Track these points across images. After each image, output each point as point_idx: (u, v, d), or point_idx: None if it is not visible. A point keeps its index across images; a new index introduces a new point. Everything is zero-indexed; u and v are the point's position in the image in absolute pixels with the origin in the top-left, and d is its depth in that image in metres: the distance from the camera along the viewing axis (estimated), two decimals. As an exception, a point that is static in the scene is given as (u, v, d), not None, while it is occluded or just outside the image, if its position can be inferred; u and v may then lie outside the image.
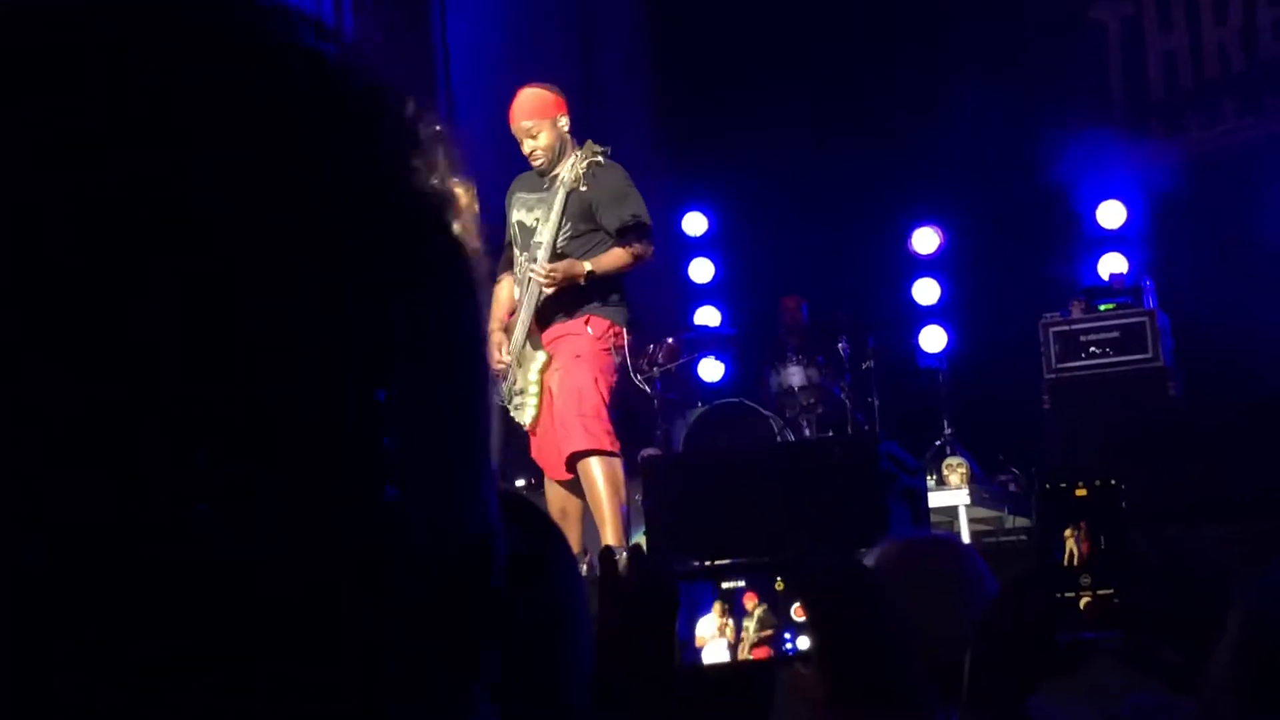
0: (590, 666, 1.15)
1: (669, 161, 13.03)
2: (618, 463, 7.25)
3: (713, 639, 2.10)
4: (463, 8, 12.96)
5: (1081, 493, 1.90)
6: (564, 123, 7.47)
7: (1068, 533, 1.89)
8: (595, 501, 7.16)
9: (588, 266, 7.26)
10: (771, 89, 12.74)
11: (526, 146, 7.49)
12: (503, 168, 8.04)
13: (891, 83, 12.13)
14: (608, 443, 7.19)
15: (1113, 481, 1.86)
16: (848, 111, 12.30)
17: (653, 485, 7.52)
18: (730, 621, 2.09)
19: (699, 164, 13.07)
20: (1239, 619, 1.63)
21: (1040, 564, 1.90)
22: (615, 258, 7.34)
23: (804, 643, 2.02)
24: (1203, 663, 1.64)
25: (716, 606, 2.09)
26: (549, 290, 7.26)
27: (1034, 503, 2.01)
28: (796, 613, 2.03)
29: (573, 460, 7.22)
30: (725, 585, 2.10)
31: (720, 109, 13.02)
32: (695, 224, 13.28)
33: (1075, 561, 1.89)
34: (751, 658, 2.09)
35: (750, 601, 2.09)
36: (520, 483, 9.85)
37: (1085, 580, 1.88)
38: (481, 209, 7.50)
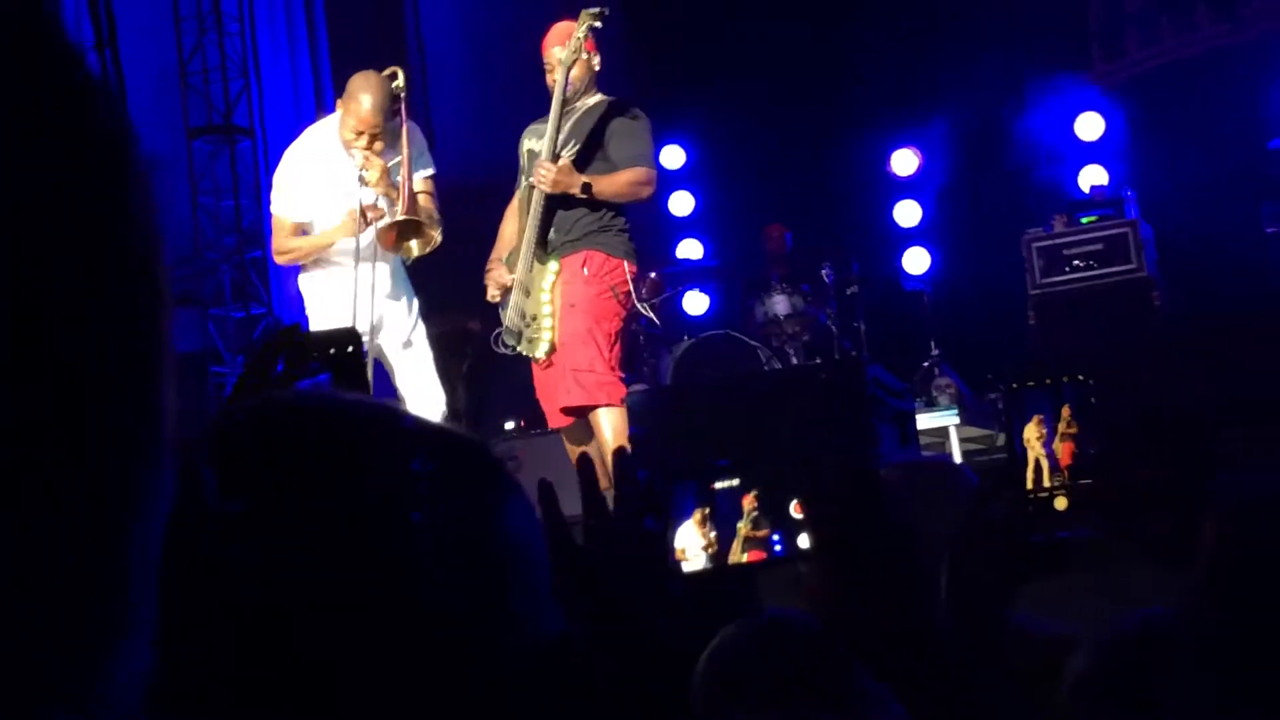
0: (547, 618, 1.13)
1: (644, 95, 12.93)
2: (620, 411, 7.09)
3: (693, 550, 2.07)
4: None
5: (1050, 385, 1.87)
6: (596, 61, 7.29)
7: (1029, 431, 1.87)
8: (602, 447, 7.06)
9: (585, 179, 7.05)
10: (744, 18, 12.66)
11: (550, 76, 7.29)
12: (474, 108, 7.97)
13: (863, 8, 12.05)
14: (603, 397, 6.97)
15: (1080, 377, 1.83)
16: (821, 38, 12.22)
17: (641, 420, 7.50)
18: (713, 531, 2.06)
19: (675, 97, 12.98)
20: (1214, 524, 1.61)
21: (1009, 467, 1.88)
22: (616, 182, 7.10)
23: (803, 541, 2.00)
24: (1191, 532, 1.62)
25: (696, 515, 2.05)
26: (546, 188, 6.98)
27: (1003, 404, 1.98)
28: (795, 509, 2.01)
29: (568, 412, 7.11)
30: (717, 486, 2.06)
31: (693, 40, 12.94)
32: (673, 157, 13.23)
33: (1041, 461, 1.87)
34: (744, 559, 2.06)
35: (747, 502, 2.05)
36: (509, 425, 9.84)
37: (1059, 478, 1.86)
38: (445, 150, 7.44)
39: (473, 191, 7.63)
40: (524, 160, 7.33)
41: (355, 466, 1.06)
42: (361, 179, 6.92)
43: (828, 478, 1.92)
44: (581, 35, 7.08)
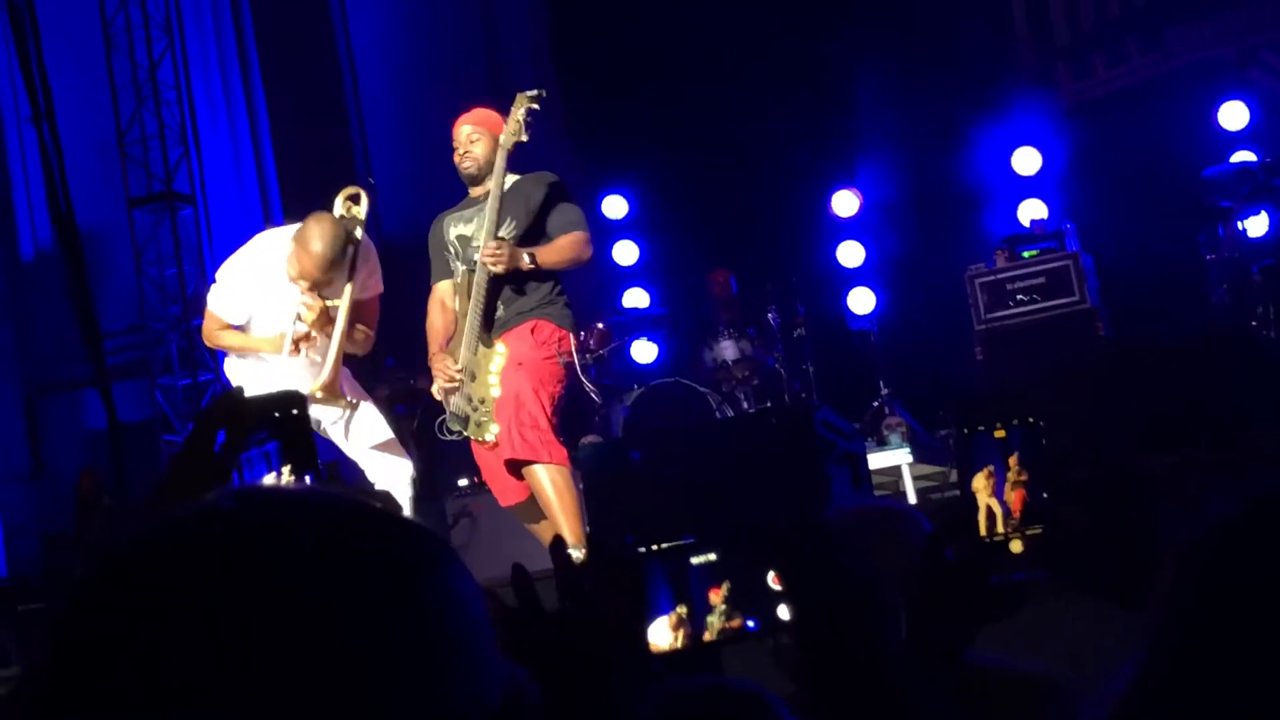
0: (491, 691, 1.13)
1: (583, 148, 13.00)
2: (564, 469, 7.09)
3: (669, 646, 2.06)
4: (364, 16, 12.92)
5: (1000, 434, 1.89)
6: (526, 138, 7.33)
7: (978, 481, 1.88)
8: (547, 507, 7.04)
9: (529, 251, 7.08)
10: (678, 67, 12.71)
11: (460, 150, 7.32)
12: (412, 165, 7.98)
13: (800, 49, 12.12)
14: (545, 454, 6.98)
15: (1031, 420, 1.85)
16: (757, 82, 12.28)
17: (592, 473, 7.48)
18: (686, 624, 2.05)
19: (613, 147, 13.04)
20: (1173, 562, 1.63)
21: (962, 511, 1.89)
22: (557, 250, 7.15)
23: (783, 613, 1.99)
24: (1139, 579, 1.63)
25: (671, 617, 2.05)
26: (498, 269, 7.00)
27: (954, 447, 1.99)
28: (773, 581, 2.00)
29: (512, 467, 7.10)
30: (695, 561, 2.05)
31: (630, 91, 12.98)
32: (615, 207, 13.26)
33: (994, 507, 1.88)
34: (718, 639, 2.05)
35: (714, 596, 2.05)
36: (463, 483, 9.81)
37: (1011, 524, 1.87)
38: (385, 211, 7.43)
39: (413, 250, 7.62)
40: (454, 247, 7.34)
41: (266, 562, 1.06)
42: (299, 317, 6.86)
43: (783, 538, 1.92)
44: (521, 119, 7.12)
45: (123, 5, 11.59)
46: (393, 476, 7.15)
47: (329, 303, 6.90)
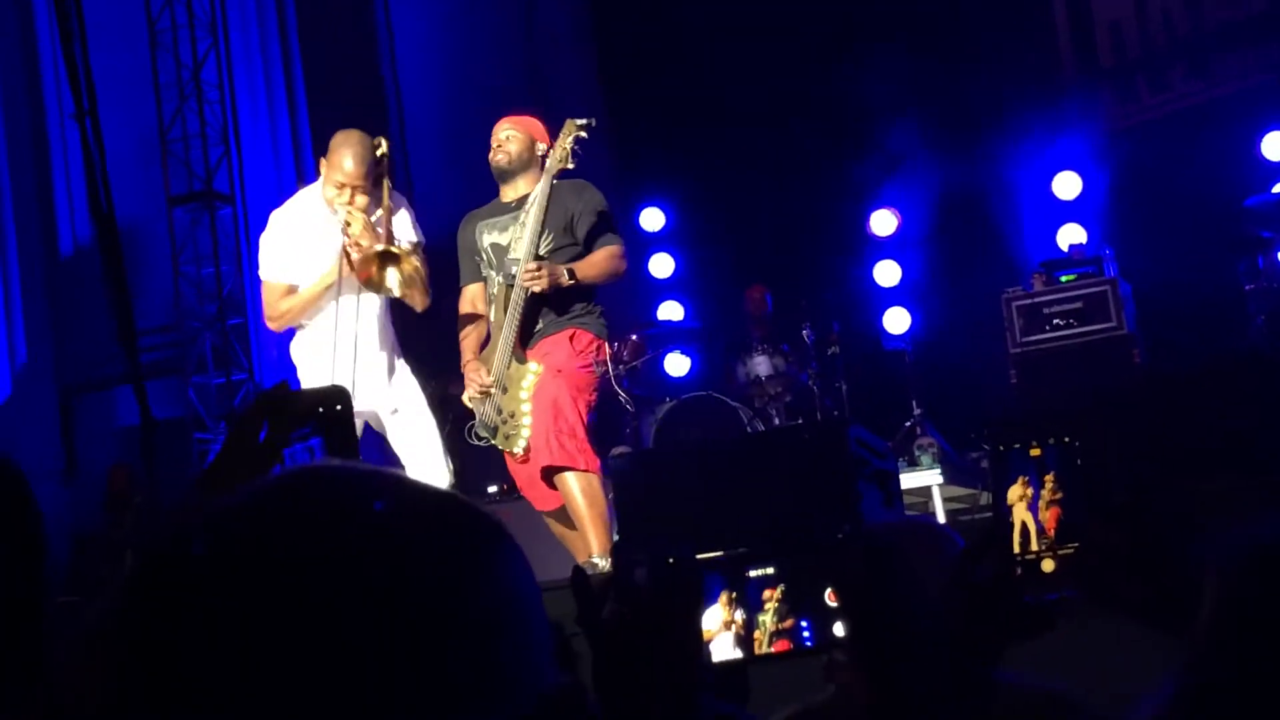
0: (546, 671, 1.13)
1: (622, 159, 13.02)
2: (595, 478, 7.12)
3: (719, 633, 2.05)
4: (408, 23, 12.95)
5: (1036, 453, 1.88)
6: (540, 149, 7.36)
7: (1014, 493, 1.87)
8: (576, 515, 7.07)
9: (568, 268, 7.12)
10: (720, 80, 12.71)
11: (495, 144, 7.37)
12: (452, 174, 7.99)
13: (842, 67, 12.10)
14: (581, 462, 7.03)
15: (1066, 440, 1.83)
16: (799, 98, 12.27)
17: (623, 484, 7.48)
18: (740, 614, 2.04)
19: (653, 160, 13.04)
20: (1213, 588, 1.61)
21: (996, 528, 1.88)
22: (594, 264, 7.21)
23: (838, 629, 1.98)
24: (1173, 603, 1.62)
25: (723, 597, 2.04)
26: (538, 288, 7.05)
27: (988, 465, 1.97)
28: (830, 597, 1.99)
29: (547, 474, 7.13)
30: (753, 574, 2.04)
31: (670, 103, 12.99)
32: (653, 219, 13.26)
33: (1028, 524, 1.87)
34: (771, 651, 2.04)
35: (768, 593, 2.04)
36: (492, 489, 9.82)
37: (1045, 542, 1.86)
38: (423, 219, 7.45)
39: (452, 256, 7.63)
40: (487, 254, 7.36)
41: (332, 531, 1.07)
42: (345, 232, 6.93)
43: (853, 564, 1.91)
44: (569, 146, 7.15)
45: (168, 4, 11.64)
46: (431, 478, 7.17)
47: (372, 217, 7.00)
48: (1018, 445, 1.89)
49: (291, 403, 1.86)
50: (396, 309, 7.29)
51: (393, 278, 6.94)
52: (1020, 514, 1.91)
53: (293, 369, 7.40)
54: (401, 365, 7.33)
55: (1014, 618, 1.86)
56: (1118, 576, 1.79)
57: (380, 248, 6.88)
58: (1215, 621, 1.47)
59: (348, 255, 6.92)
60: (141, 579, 1.08)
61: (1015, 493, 1.92)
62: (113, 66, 10.26)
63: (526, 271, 7.05)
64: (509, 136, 7.40)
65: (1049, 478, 1.91)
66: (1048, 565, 1.88)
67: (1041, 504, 1.91)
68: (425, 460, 7.23)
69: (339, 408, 1.89)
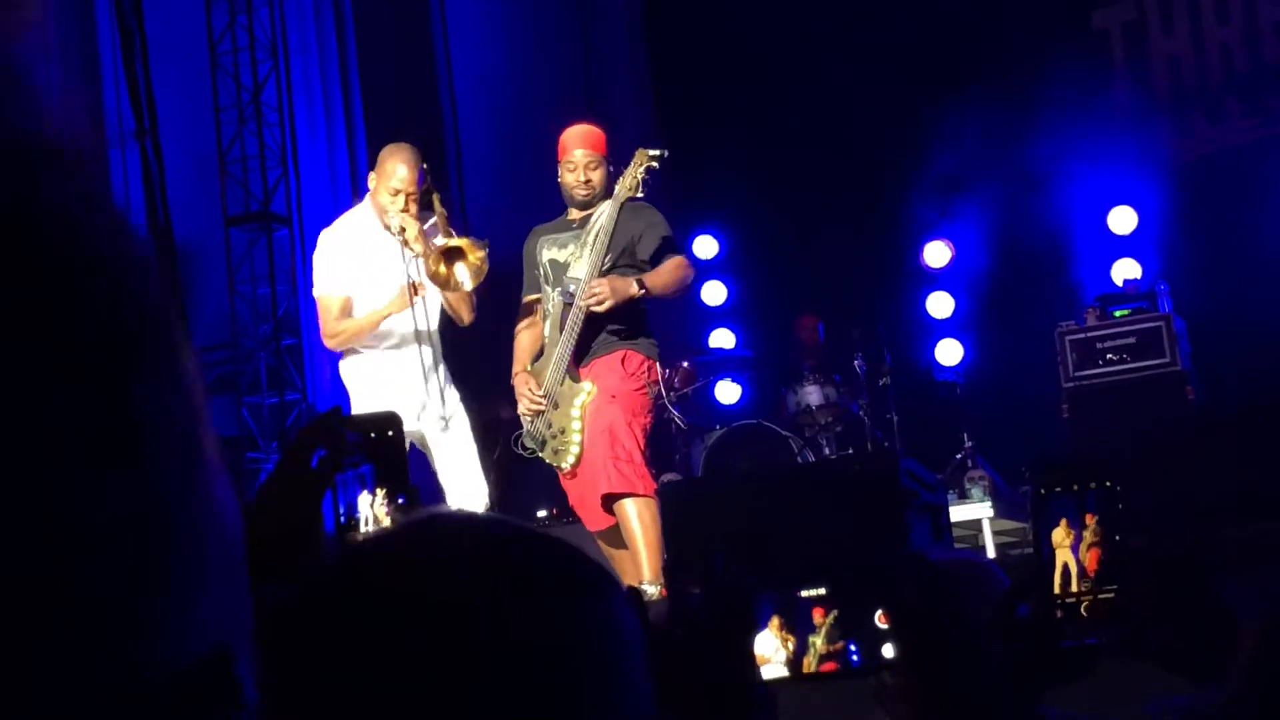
0: (648, 709, 1.16)
1: (677, 186, 13.01)
2: (653, 503, 7.14)
3: (773, 656, 2.06)
4: (466, 47, 13.01)
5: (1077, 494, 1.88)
6: (610, 169, 7.42)
7: (1057, 535, 1.88)
8: (631, 540, 7.09)
9: (638, 279, 7.13)
10: (776, 109, 12.73)
11: (580, 175, 7.36)
12: (508, 197, 8.03)
13: (898, 97, 12.10)
14: (640, 486, 7.06)
15: (1108, 483, 1.84)
16: (855, 128, 12.26)
17: (671, 510, 7.49)
18: (791, 637, 2.06)
19: (707, 187, 13.05)
20: (1252, 638, 1.61)
21: (1038, 570, 1.89)
22: (664, 274, 7.21)
23: (888, 651, 1.99)
24: (1204, 649, 1.62)
25: (774, 621, 2.05)
26: (600, 309, 7.08)
27: (1029, 507, 1.98)
28: (880, 619, 2.00)
29: (606, 501, 7.15)
30: (804, 594, 2.05)
31: (726, 130, 13.02)
32: (706, 247, 13.27)
33: (1070, 565, 1.88)
34: (819, 671, 2.05)
35: (818, 616, 2.05)
36: (541, 514, 9.84)
37: (1086, 586, 1.86)
38: (480, 233, 7.50)
39: (505, 278, 7.68)
40: (545, 270, 7.40)
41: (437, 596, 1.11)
42: (402, 240, 7.00)
43: (908, 587, 1.92)
44: (640, 176, 7.18)
45: (230, 27, 11.74)
46: (469, 499, 7.21)
47: (425, 226, 7.08)
48: (1059, 488, 1.90)
49: (344, 428, 1.88)
50: (448, 330, 7.35)
51: (463, 272, 6.99)
52: (1063, 556, 1.92)
53: (344, 389, 7.46)
54: (451, 388, 7.39)
55: (1052, 660, 1.87)
56: (1154, 624, 1.79)
57: (446, 242, 6.96)
58: (1249, 672, 1.48)
59: (413, 286, 6.99)
60: (287, 609, 1.12)
61: (1059, 535, 1.93)
62: (173, 87, 10.36)
63: (587, 294, 7.07)
64: (591, 163, 7.40)
65: (1090, 518, 1.92)
66: (1086, 609, 1.88)
67: (1083, 545, 1.92)
68: (466, 481, 7.28)
69: (391, 434, 1.91)
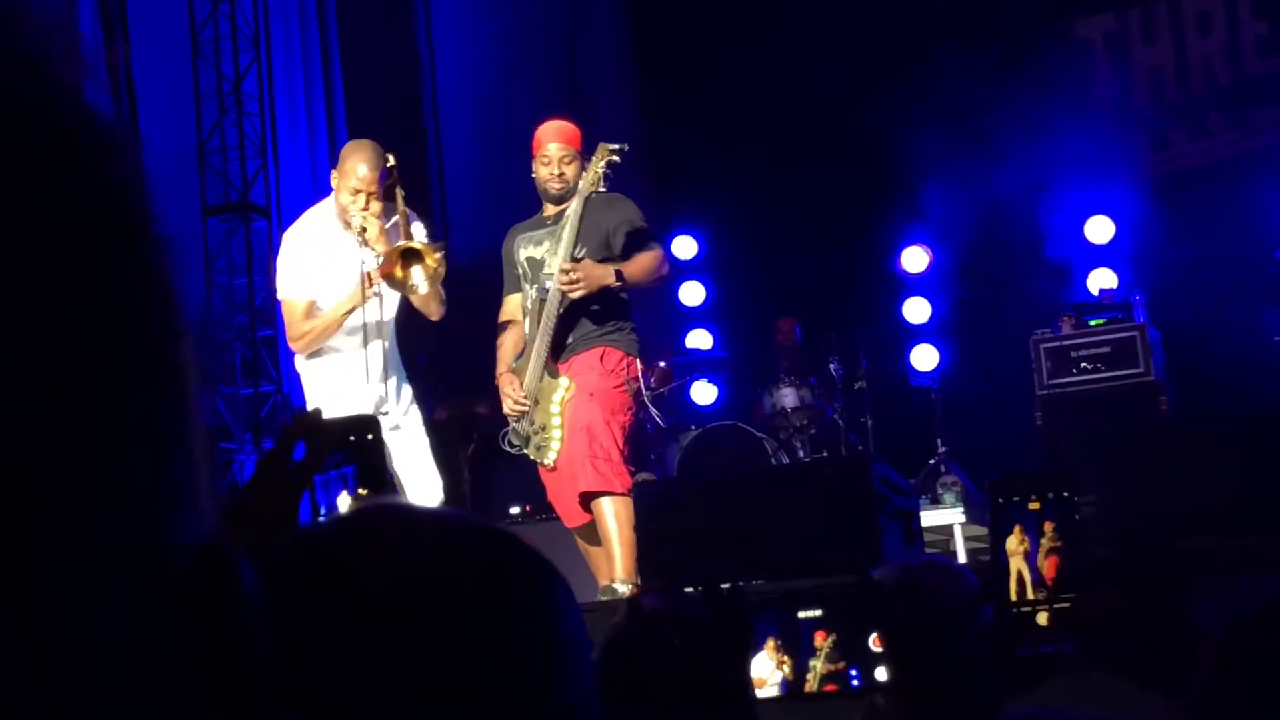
0: (592, 700, 1.17)
1: (657, 186, 13.04)
2: (629, 501, 7.14)
3: (769, 678, 2.06)
4: (449, 44, 13.00)
5: (1035, 506, 1.89)
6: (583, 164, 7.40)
7: (1011, 542, 1.88)
8: (606, 538, 7.09)
9: (614, 268, 7.11)
10: (758, 111, 12.74)
11: (554, 169, 7.33)
12: (489, 193, 8.02)
13: (878, 103, 12.11)
14: (617, 485, 7.06)
15: (1066, 494, 1.84)
16: (835, 132, 12.29)
17: (645, 511, 7.49)
18: (787, 659, 2.06)
19: (687, 187, 13.07)
20: (1209, 650, 1.62)
21: (993, 582, 1.89)
22: (640, 264, 7.18)
23: (881, 674, 2.00)
24: (1162, 659, 1.63)
25: (770, 643, 2.05)
26: (578, 294, 7.07)
27: (988, 518, 1.99)
28: (874, 643, 2.01)
29: (583, 499, 7.15)
30: (802, 615, 2.06)
31: (707, 131, 13.03)
32: (685, 247, 13.28)
33: (1024, 574, 1.88)
34: (820, 691, 2.06)
35: (819, 639, 2.05)
36: (515, 510, 9.83)
37: (1042, 594, 1.87)
38: (456, 234, 7.49)
39: (484, 277, 7.67)
40: (523, 268, 7.38)
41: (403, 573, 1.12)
42: (363, 240, 6.96)
43: (903, 613, 1.92)
44: (601, 170, 7.16)
45: (212, 15, 11.70)
46: (423, 493, 7.22)
47: (387, 225, 7.03)
48: (1016, 498, 1.90)
49: (325, 429, 1.89)
50: (409, 328, 7.33)
51: (419, 275, 6.95)
52: (1017, 564, 1.92)
53: (299, 384, 7.45)
54: (406, 385, 7.38)
55: (1007, 670, 1.87)
56: (1111, 633, 1.80)
57: (402, 244, 6.91)
58: (1206, 683, 1.48)
59: (368, 277, 6.95)
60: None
61: (1013, 542, 1.93)
62: (154, 74, 10.33)
63: (561, 280, 7.06)
64: (565, 157, 7.38)
65: (1048, 525, 1.92)
66: (1042, 618, 1.89)
67: (1041, 554, 1.92)
68: (420, 475, 7.28)
69: (370, 436, 1.93)
